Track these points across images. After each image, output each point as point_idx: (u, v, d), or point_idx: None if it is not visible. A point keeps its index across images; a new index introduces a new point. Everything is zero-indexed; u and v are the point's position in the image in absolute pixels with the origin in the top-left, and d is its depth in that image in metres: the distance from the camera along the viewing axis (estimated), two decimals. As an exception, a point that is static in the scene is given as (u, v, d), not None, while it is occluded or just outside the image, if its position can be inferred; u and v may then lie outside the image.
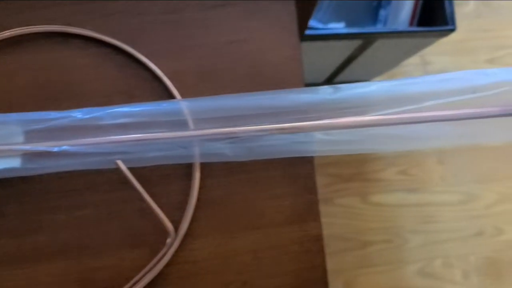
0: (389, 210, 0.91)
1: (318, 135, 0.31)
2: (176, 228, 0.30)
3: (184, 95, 0.31)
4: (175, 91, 0.31)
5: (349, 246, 0.89)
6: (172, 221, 0.30)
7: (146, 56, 0.31)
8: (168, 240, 0.29)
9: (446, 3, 0.66)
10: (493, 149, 0.95)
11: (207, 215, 0.31)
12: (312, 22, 0.72)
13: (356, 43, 0.68)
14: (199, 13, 0.32)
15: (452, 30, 0.65)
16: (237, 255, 0.31)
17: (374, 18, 0.73)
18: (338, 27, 0.73)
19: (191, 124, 0.30)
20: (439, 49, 1.00)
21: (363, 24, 0.74)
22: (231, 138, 0.30)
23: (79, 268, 0.29)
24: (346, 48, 0.71)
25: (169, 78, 0.31)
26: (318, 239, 0.31)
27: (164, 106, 0.30)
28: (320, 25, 0.72)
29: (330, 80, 0.91)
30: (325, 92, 0.30)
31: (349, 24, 0.73)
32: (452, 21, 0.65)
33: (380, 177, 0.92)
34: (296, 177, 0.32)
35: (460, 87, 0.32)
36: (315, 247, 0.31)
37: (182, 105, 0.30)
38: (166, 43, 0.32)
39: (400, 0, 0.69)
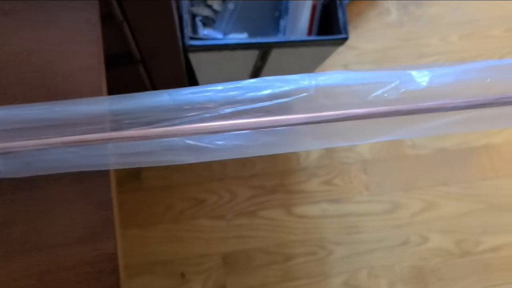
0: (313, 222, 0.89)
1: (110, 147, 0.30)
2: None
3: (-35, 108, 0.29)
4: (-49, 105, 0.29)
5: (272, 259, 0.87)
6: None
7: None
8: None
9: (340, 13, 0.65)
10: (415, 157, 0.95)
11: (-14, 237, 0.28)
12: (213, 33, 0.72)
13: (253, 53, 0.68)
14: (-15, 22, 0.30)
15: (345, 39, 0.64)
16: (20, 279, 0.28)
17: (276, 28, 0.73)
18: (240, 37, 0.72)
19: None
20: (363, 58, 1.01)
21: (266, 34, 0.73)
22: (6, 154, 0.28)
23: None
24: (246, 57, 0.70)
25: None
26: (112, 258, 0.29)
27: None
28: (221, 36, 0.71)
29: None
30: (107, 103, 0.28)
31: (252, 34, 0.73)
32: (345, 30, 0.65)
33: (304, 188, 0.91)
34: (90, 193, 0.30)
35: (259, 94, 0.30)
36: (108, 267, 0.29)
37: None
38: None
39: (297, 10, 0.69)
